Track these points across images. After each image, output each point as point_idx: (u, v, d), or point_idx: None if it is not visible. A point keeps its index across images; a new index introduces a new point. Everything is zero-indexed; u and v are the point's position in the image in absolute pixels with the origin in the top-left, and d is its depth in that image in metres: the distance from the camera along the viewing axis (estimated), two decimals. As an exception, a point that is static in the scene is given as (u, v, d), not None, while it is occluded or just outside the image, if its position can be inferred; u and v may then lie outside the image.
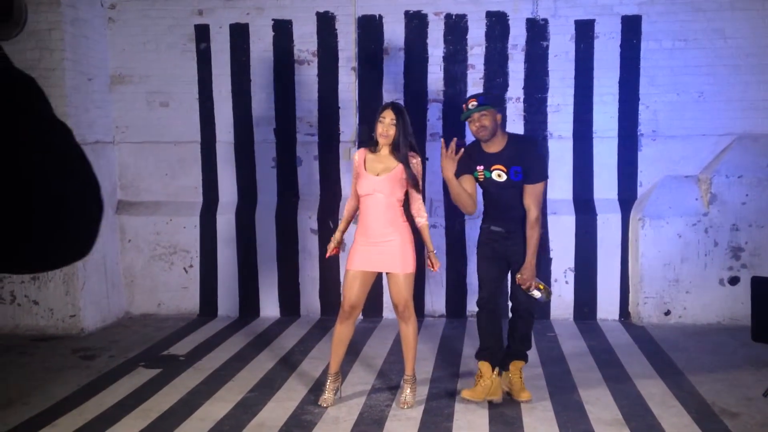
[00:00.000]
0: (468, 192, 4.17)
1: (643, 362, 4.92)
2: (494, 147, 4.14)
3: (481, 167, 4.17)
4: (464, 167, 4.19)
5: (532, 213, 4.10)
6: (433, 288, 6.21)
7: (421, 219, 4.17)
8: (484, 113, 4.03)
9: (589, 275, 6.08)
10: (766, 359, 4.74)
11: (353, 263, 4.13)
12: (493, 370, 4.22)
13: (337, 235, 4.31)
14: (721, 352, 5.10)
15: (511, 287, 4.35)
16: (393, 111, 4.08)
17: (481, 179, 4.20)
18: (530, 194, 4.11)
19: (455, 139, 4.13)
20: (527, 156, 4.12)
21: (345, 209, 4.41)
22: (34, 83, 0.89)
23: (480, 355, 4.30)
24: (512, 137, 4.25)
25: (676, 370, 4.73)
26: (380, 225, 4.08)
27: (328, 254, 4.34)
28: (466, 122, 4.21)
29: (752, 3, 5.84)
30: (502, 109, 4.17)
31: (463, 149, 4.14)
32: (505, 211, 4.20)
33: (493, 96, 4.16)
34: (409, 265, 4.10)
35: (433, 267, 4.22)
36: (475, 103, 4.03)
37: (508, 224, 4.20)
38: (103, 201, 0.89)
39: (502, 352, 4.31)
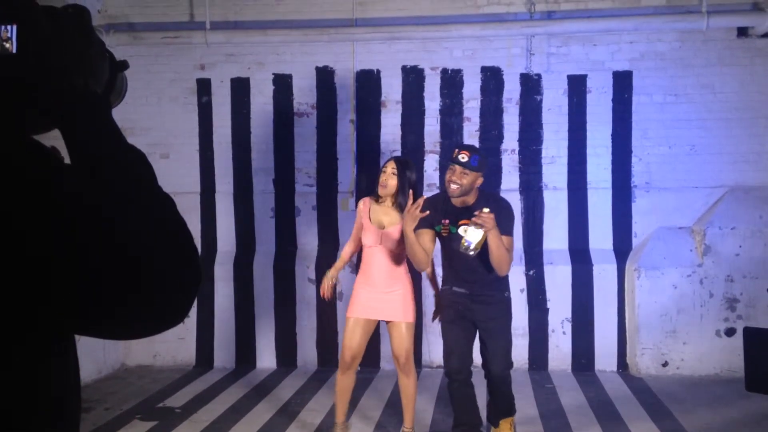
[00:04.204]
0: (425, 248, 3.86)
1: (642, 414, 4.90)
2: (464, 202, 3.93)
3: (447, 221, 3.91)
4: (425, 221, 3.82)
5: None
6: (431, 338, 6.20)
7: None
8: (466, 173, 3.80)
9: (587, 326, 6.08)
10: (763, 411, 4.72)
11: (354, 311, 4.11)
12: None
13: (332, 271, 4.25)
14: (718, 404, 5.08)
15: (482, 355, 4.07)
16: (395, 162, 4.09)
17: (445, 234, 3.93)
18: None
19: (424, 196, 3.86)
20: (497, 212, 3.71)
21: (343, 251, 4.37)
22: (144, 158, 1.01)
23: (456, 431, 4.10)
24: (483, 194, 4.01)
25: (674, 423, 4.70)
26: (383, 277, 4.08)
27: (325, 293, 4.23)
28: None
29: (740, 59, 6.01)
30: (485, 174, 3.96)
31: (426, 201, 3.77)
32: (469, 272, 3.93)
33: (485, 162, 3.93)
34: (410, 315, 4.10)
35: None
36: (466, 158, 3.79)
37: (471, 285, 3.96)
38: (202, 270, 0.96)
39: (480, 425, 4.14)
